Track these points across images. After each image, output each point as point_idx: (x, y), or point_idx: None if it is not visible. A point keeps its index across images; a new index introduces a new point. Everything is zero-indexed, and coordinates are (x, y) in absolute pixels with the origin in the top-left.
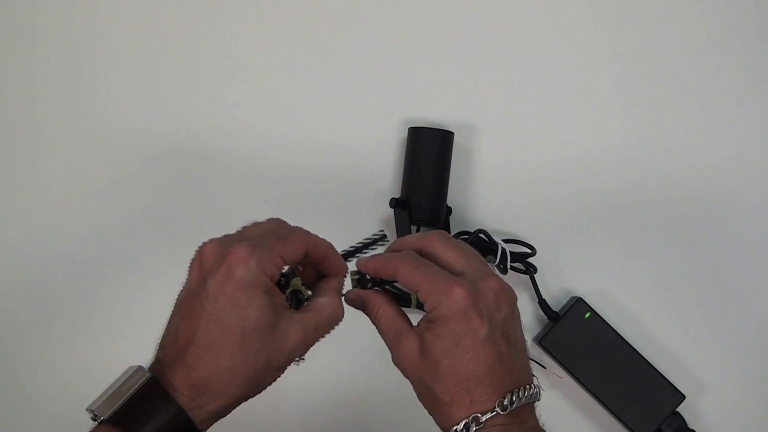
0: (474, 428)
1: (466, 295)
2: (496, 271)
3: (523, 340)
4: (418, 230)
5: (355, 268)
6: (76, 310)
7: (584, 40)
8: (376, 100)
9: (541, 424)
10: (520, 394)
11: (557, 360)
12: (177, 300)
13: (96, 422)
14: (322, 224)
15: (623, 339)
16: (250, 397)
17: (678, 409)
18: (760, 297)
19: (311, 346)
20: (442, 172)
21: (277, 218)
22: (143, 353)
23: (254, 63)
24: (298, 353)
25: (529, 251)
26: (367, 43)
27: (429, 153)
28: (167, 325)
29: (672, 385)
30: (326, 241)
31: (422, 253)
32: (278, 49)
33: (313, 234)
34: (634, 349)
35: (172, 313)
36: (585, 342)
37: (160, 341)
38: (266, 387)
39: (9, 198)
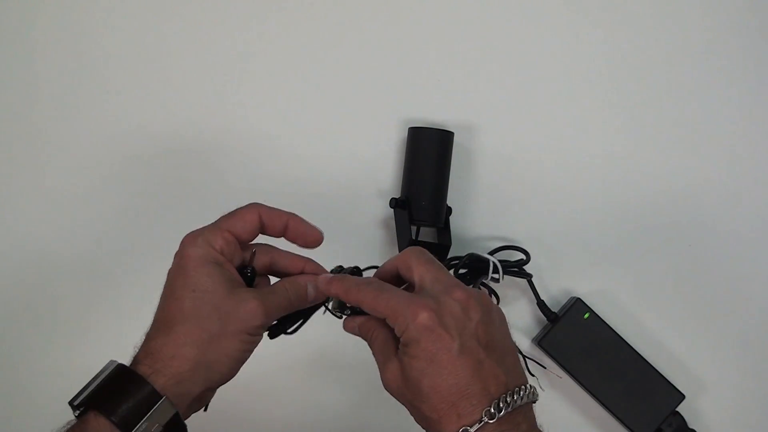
0: None
1: (431, 315)
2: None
3: (508, 344)
4: (418, 230)
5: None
6: (73, 309)
7: (585, 41)
8: (376, 100)
9: (539, 425)
10: (509, 399)
11: (557, 361)
12: None
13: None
14: (322, 224)
15: (622, 339)
16: (215, 370)
17: (678, 409)
18: (759, 296)
19: (273, 317)
20: (442, 172)
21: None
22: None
23: (254, 63)
24: (256, 321)
25: (523, 257)
26: (368, 43)
27: (429, 153)
28: None
29: (671, 384)
30: (287, 212)
31: (401, 270)
32: (278, 49)
33: (268, 205)
34: (633, 349)
35: None
36: (584, 342)
37: None
38: (229, 358)
39: (6, 196)
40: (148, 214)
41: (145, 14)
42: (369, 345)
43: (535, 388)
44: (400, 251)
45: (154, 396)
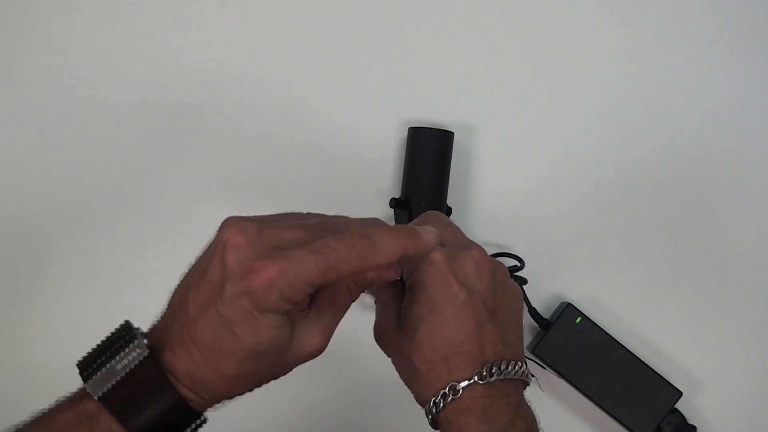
0: (451, 397)
1: (443, 259)
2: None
3: (514, 320)
4: None
5: None
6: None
7: (585, 42)
8: (375, 100)
9: (527, 402)
10: (502, 367)
11: (552, 367)
12: (197, 265)
13: (85, 386)
14: None
15: (616, 341)
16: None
17: (676, 406)
18: (754, 292)
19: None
20: (442, 172)
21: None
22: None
23: (254, 62)
24: (316, 354)
25: (517, 264)
26: (367, 43)
27: (429, 153)
28: (180, 286)
29: (668, 382)
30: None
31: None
32: (277, 48)
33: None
34: (627, 349)
35: (189, 276)
36: (578, 347)
37: (169, 302)
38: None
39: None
40: (148, 209)
41: (142, 15)
42: (375, 300)
43: (529, 371)
44: None
45: (191, 417)
